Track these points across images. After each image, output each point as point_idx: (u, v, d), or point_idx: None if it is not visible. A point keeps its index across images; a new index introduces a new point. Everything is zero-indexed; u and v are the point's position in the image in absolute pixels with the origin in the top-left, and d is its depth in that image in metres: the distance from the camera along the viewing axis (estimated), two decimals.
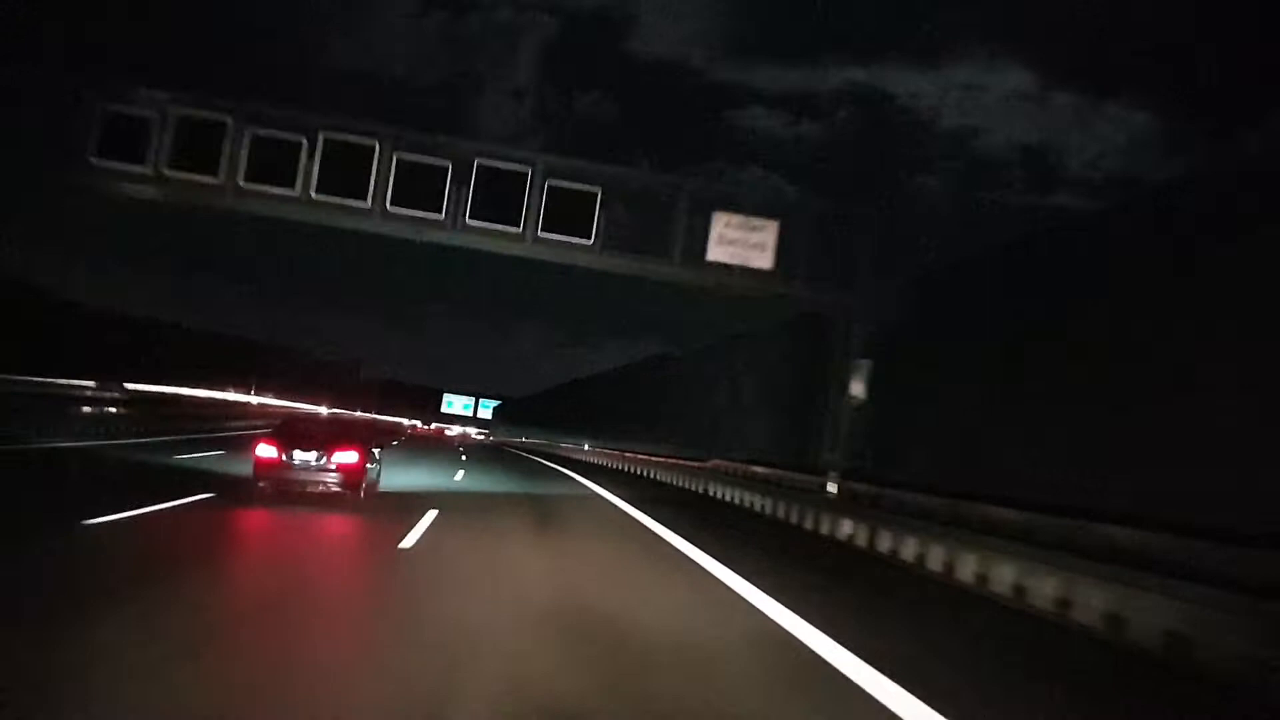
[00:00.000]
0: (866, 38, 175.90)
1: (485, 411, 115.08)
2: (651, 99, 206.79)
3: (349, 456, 13.93)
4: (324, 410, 71.51)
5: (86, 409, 27.77)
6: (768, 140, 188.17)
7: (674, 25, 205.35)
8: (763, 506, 19.34)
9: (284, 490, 13.59)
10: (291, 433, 14.48)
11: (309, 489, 13.70)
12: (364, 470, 14.37)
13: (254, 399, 61.26)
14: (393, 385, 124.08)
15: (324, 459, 13.71)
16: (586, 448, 48.80)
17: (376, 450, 16.55)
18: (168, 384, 39.34)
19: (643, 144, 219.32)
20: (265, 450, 13.63)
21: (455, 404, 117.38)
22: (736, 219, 17.67)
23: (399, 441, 48.94)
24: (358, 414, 76.31)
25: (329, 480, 13.73)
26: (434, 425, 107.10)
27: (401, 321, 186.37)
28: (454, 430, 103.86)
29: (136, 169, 16.72)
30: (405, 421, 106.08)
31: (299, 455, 13.66)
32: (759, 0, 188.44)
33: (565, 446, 53.30)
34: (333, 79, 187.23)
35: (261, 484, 13.67)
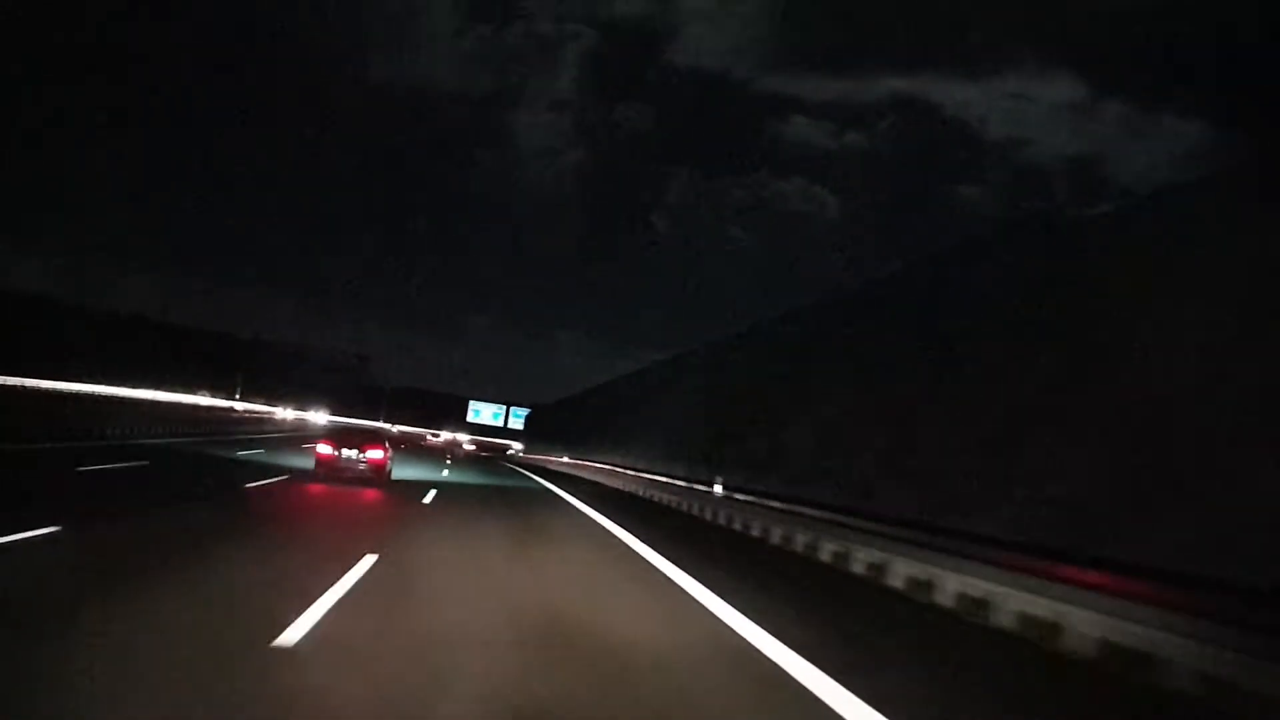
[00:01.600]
0: (912, 47, 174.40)
1: (516, 421, 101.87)
2: (693, 110, 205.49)
3: (377, 454, 21.16)
4: (324, 417, 76.80)
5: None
6: (811, 150, 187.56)
7: (716, 36, 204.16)
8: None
9: (334, 474, 20.71)
10: (339, 437, 21.77)
11: (350, 474, 20.87)
12: (387, 463, 21.64)
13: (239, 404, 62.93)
14: (414, 393, 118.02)
15: (361, 454, 20.95)
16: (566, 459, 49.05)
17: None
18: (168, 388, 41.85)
19: (685, 155, 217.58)
20: (324, 449, 20.96)
21: (483, 413, 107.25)
22: None
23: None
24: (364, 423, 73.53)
25: (363, 469, 20.94)
26: (427, 433, 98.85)
27: (436, 330, 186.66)
28: (442, 437, 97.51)
29: None
30: (403, 430, 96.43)
31: (345, 452, 20.88)
32: (802, 10, 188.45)
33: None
34: (374, 97, 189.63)
35: (320, 470, 20.86)
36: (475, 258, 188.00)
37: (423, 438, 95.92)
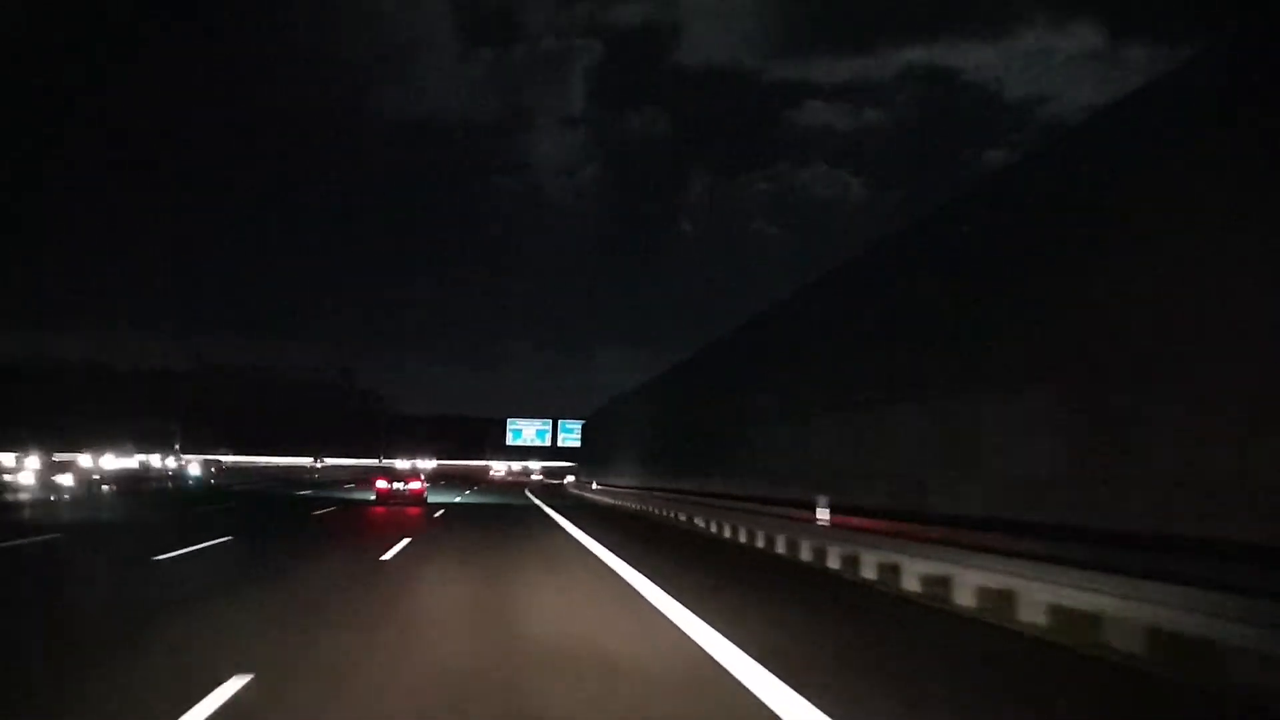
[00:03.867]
0: (922, 14, 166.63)
1: (569, 438, 79.70)
2: (707, 108, 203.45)
3: (417, 485, 29.70)
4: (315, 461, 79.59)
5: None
6: (830, 133, 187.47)
7: (721, 30, 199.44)
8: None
9: (388, 500, 29.07)
10: (390, 475, 30.35)
11: (400, 499, 29.20)
12: (424, 491, 30.06)
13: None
14: (445, 421, 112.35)
15: (406, 485, 29.38)
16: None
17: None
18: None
19: (704, 155, 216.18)
20: (381, 484, 29.64)
21: (525, 432, 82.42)
22: None
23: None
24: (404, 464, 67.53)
25: (409, 495, 29.30)
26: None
27: (468, 358, 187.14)
28: (503, 469, 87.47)
29: None
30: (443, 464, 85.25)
31: (395, 485, 29.40)
32: None
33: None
34: (381, 129, 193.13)
35: (377, 498, 29.28)
36: (502, 283, 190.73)
37: (484, 471, 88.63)
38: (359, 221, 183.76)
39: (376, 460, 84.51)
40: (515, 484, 75.11)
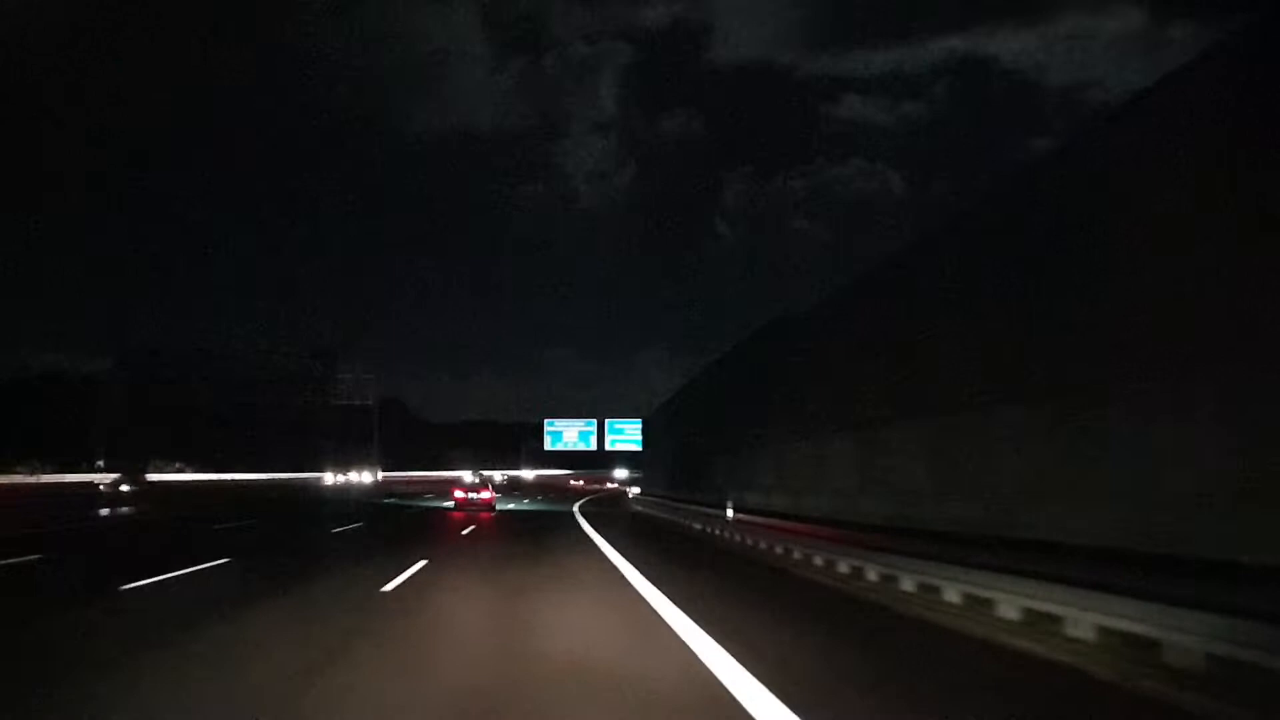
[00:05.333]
0: (959, 2, 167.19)
1: (620, 440, 65.90)
2: (741, 107, 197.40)
3: (487, 494, 37.79)
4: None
5: None
6: (868, 128, 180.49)
7: (752, 26, 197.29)
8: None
9: (465, 507, 37.06)
10: (465, 486, 38.56)
11: (474, 506, 37.19)
12: (494, 499, 38.16)
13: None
14: (480, 426, 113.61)
15: (479, 494, 37.49)
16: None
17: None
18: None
19: (739, 155, 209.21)
20: (459, 494, 37.78)
21: (566, 434, 67.32)
22: None
23: None
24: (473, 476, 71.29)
25: (482, 504, 37.29)
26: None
27: (510, 367, 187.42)
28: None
29: None
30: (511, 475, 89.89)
31: (470, 495, 37.51)
32: None
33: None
34: (418, 143, 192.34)
35: (455, 505, 37.37)
36: (540, 293, 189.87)
37: (564, 481, 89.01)
38: (390, 233, 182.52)
39: (422, 472, 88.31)
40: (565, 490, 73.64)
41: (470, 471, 52.41)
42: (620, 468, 79.62)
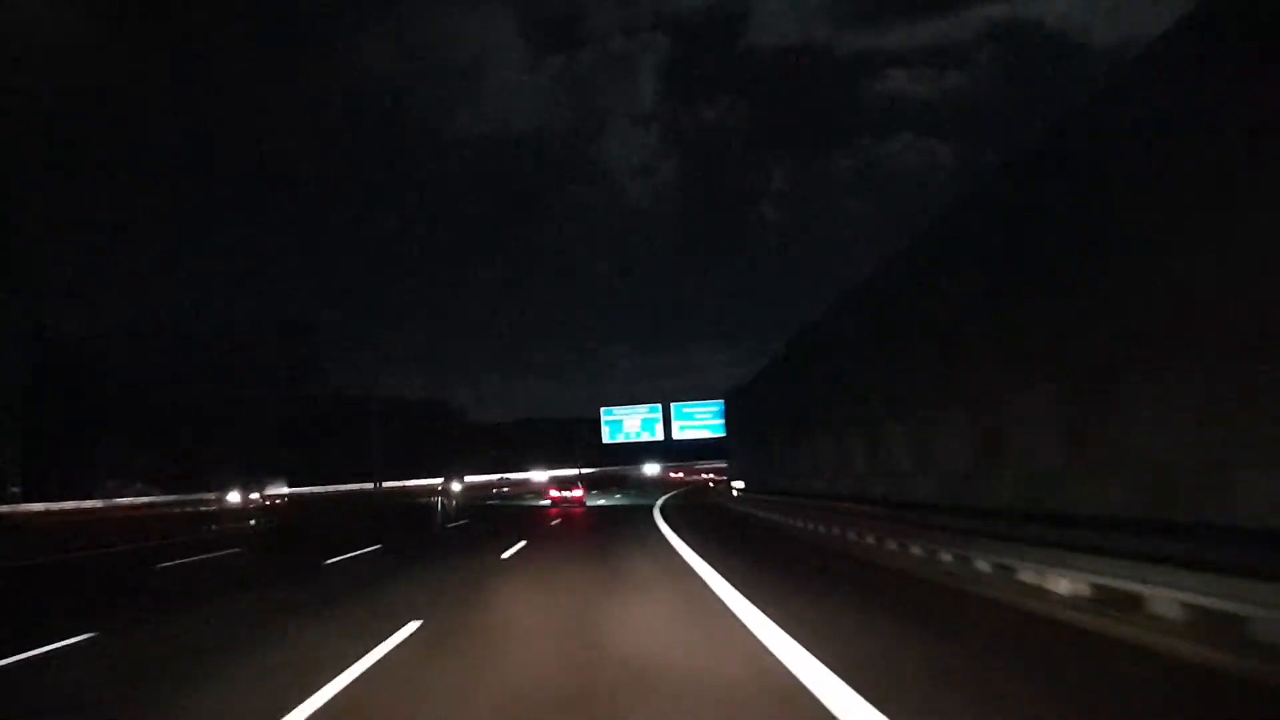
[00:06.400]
0: None
1: (691, 428, 58.45)
2: (782, 89, 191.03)
3: (578, 492, 42.86)
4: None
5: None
6: (913, 101, 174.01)
7: (790, 7, 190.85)
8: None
9: (559, 503, 41.91)
10: (558, 484, 43.60)
11: (566, 503, 41.94)
12: (584, 497, 43.13)
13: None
14: (540, 424, 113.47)
15: (570, 492, 42.44)
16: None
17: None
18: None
19: (784, 138, 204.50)
20: (554, 492, 43.36)
21: (627, 423, 58.61)
22: None
23: None
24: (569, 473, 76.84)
25: (573, 500, 42.10)
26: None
27: (569, 367, 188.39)
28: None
29: None
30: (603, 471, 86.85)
31: (563, 492, 42.58)
32: None
33: None
34: (459, 146, 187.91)
35: (552, 500, 42.44)
36: (592, 291, 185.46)
37: (684, 471, 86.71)
38: (435, 238, 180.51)
39: (502, 475, 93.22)
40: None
41: (540, 471, 57.88)
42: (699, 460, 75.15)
